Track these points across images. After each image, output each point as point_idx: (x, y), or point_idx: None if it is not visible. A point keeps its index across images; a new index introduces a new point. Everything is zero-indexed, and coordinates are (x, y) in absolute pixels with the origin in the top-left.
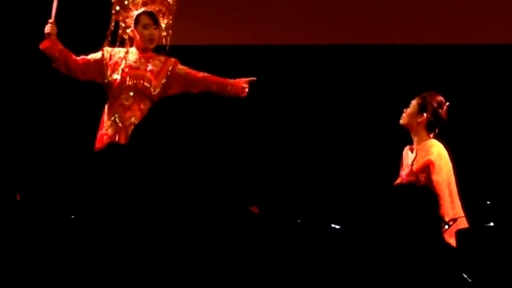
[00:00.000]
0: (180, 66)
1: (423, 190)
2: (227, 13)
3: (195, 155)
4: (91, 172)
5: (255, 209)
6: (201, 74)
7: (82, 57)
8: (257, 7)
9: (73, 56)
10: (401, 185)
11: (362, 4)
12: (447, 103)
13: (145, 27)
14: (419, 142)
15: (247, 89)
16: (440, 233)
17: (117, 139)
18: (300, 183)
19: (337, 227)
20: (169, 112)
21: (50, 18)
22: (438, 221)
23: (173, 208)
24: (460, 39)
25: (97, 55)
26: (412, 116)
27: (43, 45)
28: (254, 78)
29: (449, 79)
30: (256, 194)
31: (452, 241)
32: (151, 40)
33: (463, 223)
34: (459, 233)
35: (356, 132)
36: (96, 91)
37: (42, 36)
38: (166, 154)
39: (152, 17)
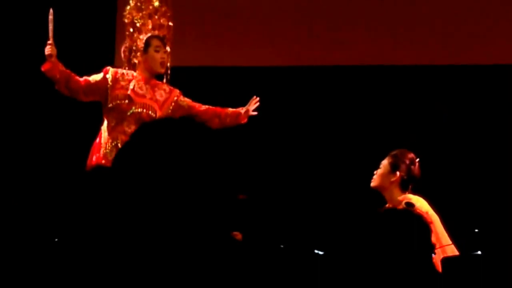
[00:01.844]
0: (182, 98)
1: (413, 217)
2: (224, 35)
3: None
4: (82, 194)
5: (238, 235)
6: (203, 108)
7: (84, 78)
8: (253, 29)
9: (75, 77)
10: (390, 210)
11: (353, 27)
12: (418, 159)
13: (156, 50)
14: (394, 203)
15: (246, 119)
16: (430, 259)
17: None
18: (284, 208)
19: (321, 253)
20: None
21: (48, 39)
22: (429, 247)
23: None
24: (446, 60)
25: (98, 77)
26: (384, 176)
27: (44, 67)
28: (256, 101)
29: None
30: (239, 219)
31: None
32: (162, 63)
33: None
34: (445, 261)
35: (343, 156)
36: (89, 109)
37: (43, 56)
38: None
39: (162, 41)
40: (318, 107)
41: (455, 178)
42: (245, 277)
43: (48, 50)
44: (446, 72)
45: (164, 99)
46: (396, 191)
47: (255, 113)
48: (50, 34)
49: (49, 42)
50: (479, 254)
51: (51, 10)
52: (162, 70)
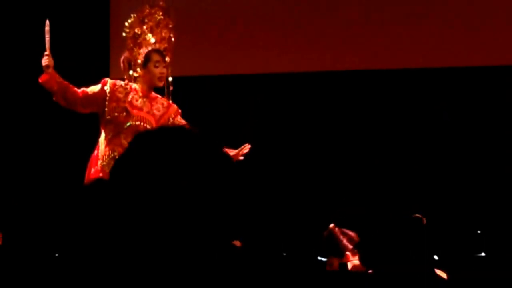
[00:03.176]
0: (179, 119)
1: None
2: (222, 43)
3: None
4: (81, 208)
5: (236, 243)
6: None
7: (82, 89)
8: (251, 36)
9: (73, 89)
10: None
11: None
12: (337, 229)
13: (155, 65)
14: (357, 269)
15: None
16: (430, 264)
17: None
18: (285, 216)
19: (324, 259)
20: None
21: (45, 50)
22: (428, 252)
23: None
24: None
25: (96, 88)
26: (338, 265)
27: (41, 79)
28: (247, 148)
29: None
30: (241, 227)
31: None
32: (160, 78)
33: None
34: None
35: (341, 164)
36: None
37: (40, 68)
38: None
39: (162, 55)
40: (316, 113)
41: (458, 180)
42: (247, 286)
43: (45, 61)
44: (445, 75)
45: (161, 113)
46: (355, 260)
47: (242, 158)
48: (47, 45)
49: (46, 53)
50: (482, 256)
51: (47, 22)
52: (161, 84)
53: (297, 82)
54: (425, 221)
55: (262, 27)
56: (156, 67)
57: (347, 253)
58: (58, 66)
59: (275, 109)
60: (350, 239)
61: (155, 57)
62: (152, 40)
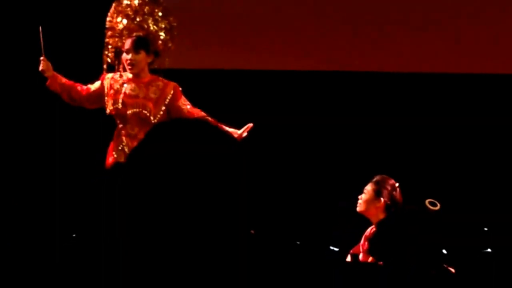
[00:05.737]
0: (183, 101)
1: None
2: (224, 38)
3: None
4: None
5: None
6: (202, 115)
7: (86, 86)
8: (251, 32)
9: (76, 88)
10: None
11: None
12: (397, 184)
13: (126, 52)
14: None
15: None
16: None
17: None
18: (299, 205)
19: (336, 249)
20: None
21: (41, 55)
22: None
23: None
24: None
25: (96, 84)
26: (369, 202)
27: (47, 83)
28: (250, 125)
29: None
30: (253, 216)
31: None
32: (128, 65)
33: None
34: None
35: (354, 154)
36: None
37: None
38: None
39: (134, 42)
40: (317, 111)
41: (464, 177)
42: (261, 274)
43: (41, 66)
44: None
45: (158, 95)
46: (381, 216)
47: (246, 134)
48: (42, 50)
49: (41, 58)
50: (489, 252)
51: (40, 28)
52: (131, 71)
53: (295, 81)
54: (439, 206)
55: (262, 25)
56: (127, 53)
57: (381, 200)
58: (61, 64)
59: (276, 106)
60: (393, 197)
61: (125, 44)
62: (120, 27)
